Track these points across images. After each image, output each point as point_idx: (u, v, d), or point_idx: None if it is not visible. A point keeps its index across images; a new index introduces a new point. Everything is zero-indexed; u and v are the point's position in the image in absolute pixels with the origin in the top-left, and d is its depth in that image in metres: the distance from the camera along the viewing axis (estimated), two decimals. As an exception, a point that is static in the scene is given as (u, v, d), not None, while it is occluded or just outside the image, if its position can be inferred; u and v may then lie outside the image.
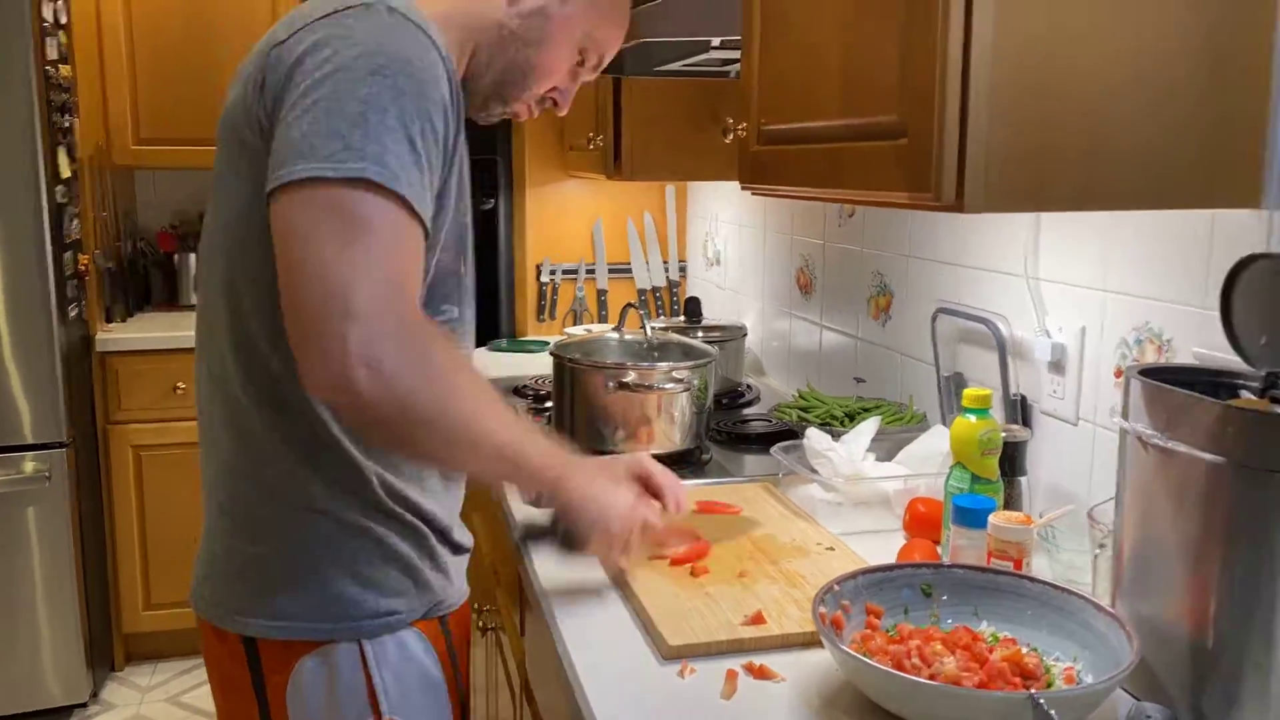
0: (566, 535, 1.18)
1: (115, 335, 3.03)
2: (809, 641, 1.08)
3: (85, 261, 2.94)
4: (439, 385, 0.96)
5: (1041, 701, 0.83)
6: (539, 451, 1.09)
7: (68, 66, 2.85)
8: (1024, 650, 0.99)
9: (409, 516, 1.12)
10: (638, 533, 1.18)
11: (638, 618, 1.16)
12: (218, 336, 1.10)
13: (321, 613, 1.08)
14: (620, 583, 1.25)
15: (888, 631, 1.03)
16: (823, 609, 1.01)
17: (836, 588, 1.06)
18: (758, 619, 1.11)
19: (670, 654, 1.06)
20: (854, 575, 1.08)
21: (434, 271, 1.07)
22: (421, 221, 0.98)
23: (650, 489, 1.25)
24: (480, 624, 1.92)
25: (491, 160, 3.27)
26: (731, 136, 1.52)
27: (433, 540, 1.15)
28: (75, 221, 2.88)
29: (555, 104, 1.27)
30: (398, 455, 1.09)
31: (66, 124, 2.82)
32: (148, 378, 3.03)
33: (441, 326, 1.10)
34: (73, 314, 2.85)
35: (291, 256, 0.94)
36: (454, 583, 1.19)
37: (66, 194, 2.81)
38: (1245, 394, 0.99)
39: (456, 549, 1.21)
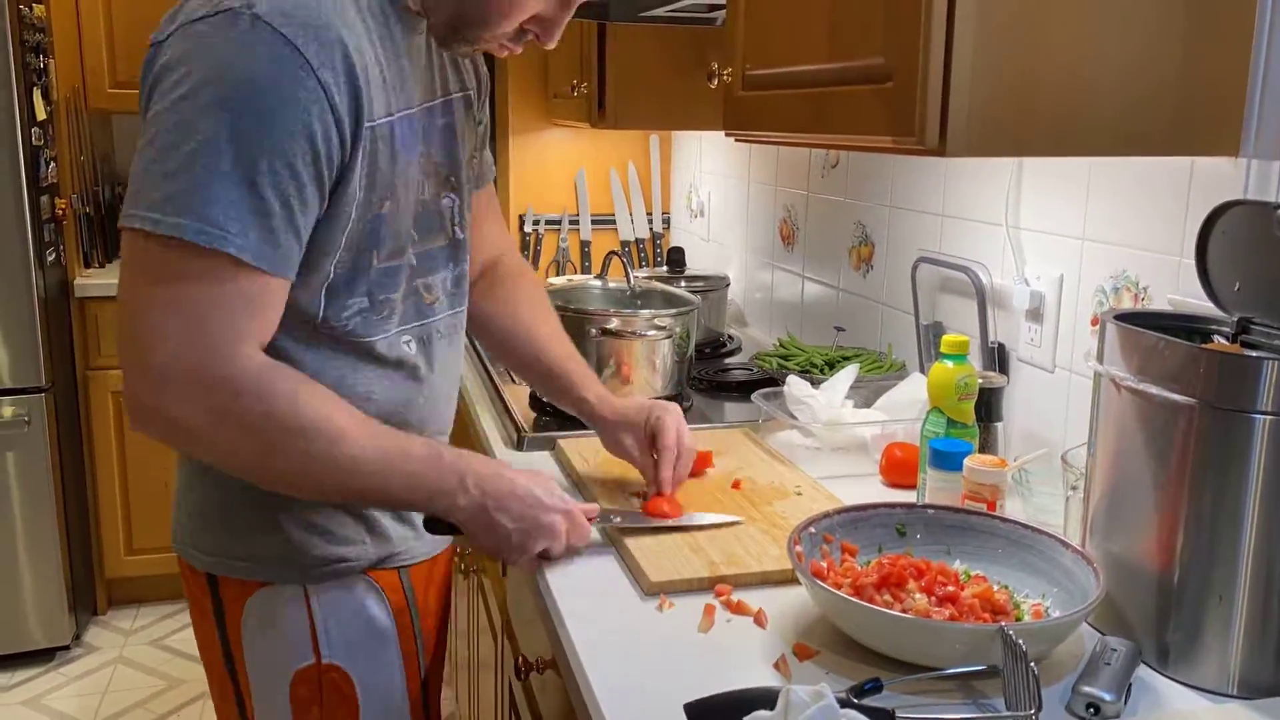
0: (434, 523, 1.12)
1: (94, 280, 3.01)
2: (786, 579, 1.10)
3: (63, 205, 2.90)
4: (254, 437, 0.97)
5: (1010, 633, 0.85)
6: (406, 483, 1.05)
7: (42, 6, 2.80)
8: (994, 587, 1.02)
9: None
10: (558, 528, 1.11)
11: (619, 556, 1.18)
12: None
13: (268, 555, 1.11)
14: (603, 521, 1.26)
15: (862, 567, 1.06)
16: (799, 547, 1.03)
17: (813, 527, 1.08)
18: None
19: (651, 590, 1.08)
20: (830, 514, 1.10)
21: (333, 274, 1.04)
22: (260, 269, 0.94)
23: (655, 447, 1.27)
24: (462, 568, 1.94)
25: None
26: (716, 82, 1.51)
27: (377, 509, 1.15)
28: (52, 165, 2.84)
29: (538, 37, 1.10)
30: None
31: (41, 65, 2.78)
32: (127, 324, 3.01)
33: (348, 321, 1.07)
34: (50, 258, 2.82)
35: (120, 302, 0.97)
36: (423, 536, 1.18)
37: (42, 136, 2.77)
38: (1218, 339, 1.01)
39: None
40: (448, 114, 1.16)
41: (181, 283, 0.93)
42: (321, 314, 1.05)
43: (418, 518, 1.18)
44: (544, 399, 1.62)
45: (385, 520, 1.15)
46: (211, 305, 0.94)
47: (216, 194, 0.91)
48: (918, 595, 0.99)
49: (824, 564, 1.05)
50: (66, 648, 2.95)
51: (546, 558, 1.14)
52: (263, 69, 0.92)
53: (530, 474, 1.13)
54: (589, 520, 1.17)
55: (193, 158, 0.91)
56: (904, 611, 0.95)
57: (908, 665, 0.92)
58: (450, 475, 1.07)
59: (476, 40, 1.09)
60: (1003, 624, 0.88)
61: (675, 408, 1.32)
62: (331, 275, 1.04)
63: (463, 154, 1.19)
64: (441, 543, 1.23)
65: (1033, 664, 0.84)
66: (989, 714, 0.87)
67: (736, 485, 1.35)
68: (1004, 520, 1.10)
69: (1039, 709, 0.82)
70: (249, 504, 1.10)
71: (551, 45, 1.12)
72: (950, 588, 0.99)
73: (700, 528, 1.21)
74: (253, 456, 0.99)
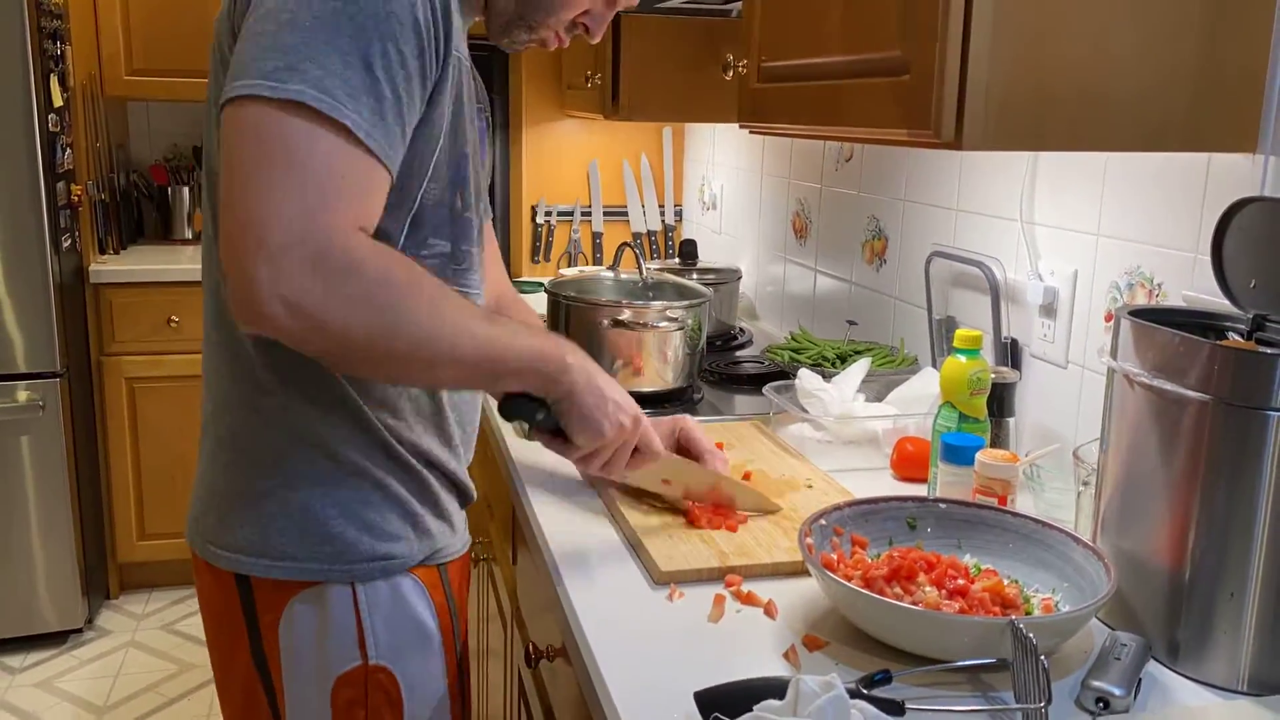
0: (540, 415, 1.10)
1: (109, 267, 3.02)
2: (797, 571, 1.10)
3: (78, 192, 2.92)
4: (373, 310, 0.92)
5: (1020, 627, 0.85)
6: (528, 344, 1.04)
7: (59, -8, 2.81)
8: (1005, 581, 1.02)
9: (413, 461, 1.10)
10: (629, 450, 1.14)
11: (629, 545, 1.19)
12: (215, 264, 1.07)
13: (315, 553, 1.07)
14: (612, 510, 1.27)
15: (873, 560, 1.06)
16: (809, 539, 1.03)
17: (823, 519, 1.08)
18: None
19: (662, 579, 1.08)
20: (840, 507, 1.10)
21: (419, 203, 1.04)
22: (371, 150, 0.93)
23: (693, 452, 1.30)
24: (473, 556, 1.95)
25: (488, 98, 3.24)
26: (732, 74, 1.51)
27: (436, 487, 1.13)
28: (68, 151, 2.85)
29: (587, 30, 1.17)
30: (367, 379, 1.06)
31: (58, 51, 2.79)
32: (141, 310, 3.03)
33: (427, 262, 1.05)
34: (66, 244, 2.83)
35: (224, 179, 0.91)
36: (457, 531, 1.18)
37: (58, 123, 2.78)
38: (1232, 335, 1.00)
39: (464, 499, 1.20)
40: (481, 119, 1.18)
41: (296, 148, 0.89)
42: (402, 244, 1.04)
43: (455, 514, 1.17)
44: None
45: (427, 517, 1.12)
46: (326, 173, 0.90)
47: (334, 68, 0.90)
48: (928, 588, 0.99)
49: (834, 556, 1.05)
50: (79, 631, 2.97)
51: (609, 470, 1.16)
52: None
53: (619, 387, 1.16)
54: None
55: (311, 33, 0.90)
56: (914, 604, 0.96)
57: (917, 658, 0.93)
58: (552, 340, 1.08)
59: (537, 28, 1.14)
60: (1012, 618, 0.88)
61: (690, 418, 1.35)
62: (417, 205, 1.04)
63: (486, 169, 1.22)
64: (467, 541, 1.22)
65: (1043, 657, 0.84)
66: (998, 706, 0.87)
67: (747, 477, 1.36)
68: (1015, 515, 1.10)
69: (1048, 702, 0.82)
70: (295, 500, 1.06)
71: (597, 39, 1.19)
72: (960, 581, 1.00)
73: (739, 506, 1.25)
74: (374, 327, 0.93)
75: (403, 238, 1.03)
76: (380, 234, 1.00)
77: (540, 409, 1.10)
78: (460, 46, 1.04)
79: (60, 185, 2.80)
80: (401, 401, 1.09)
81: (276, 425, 1.06)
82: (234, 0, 1.00)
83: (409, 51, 0.94)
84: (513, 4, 1.12)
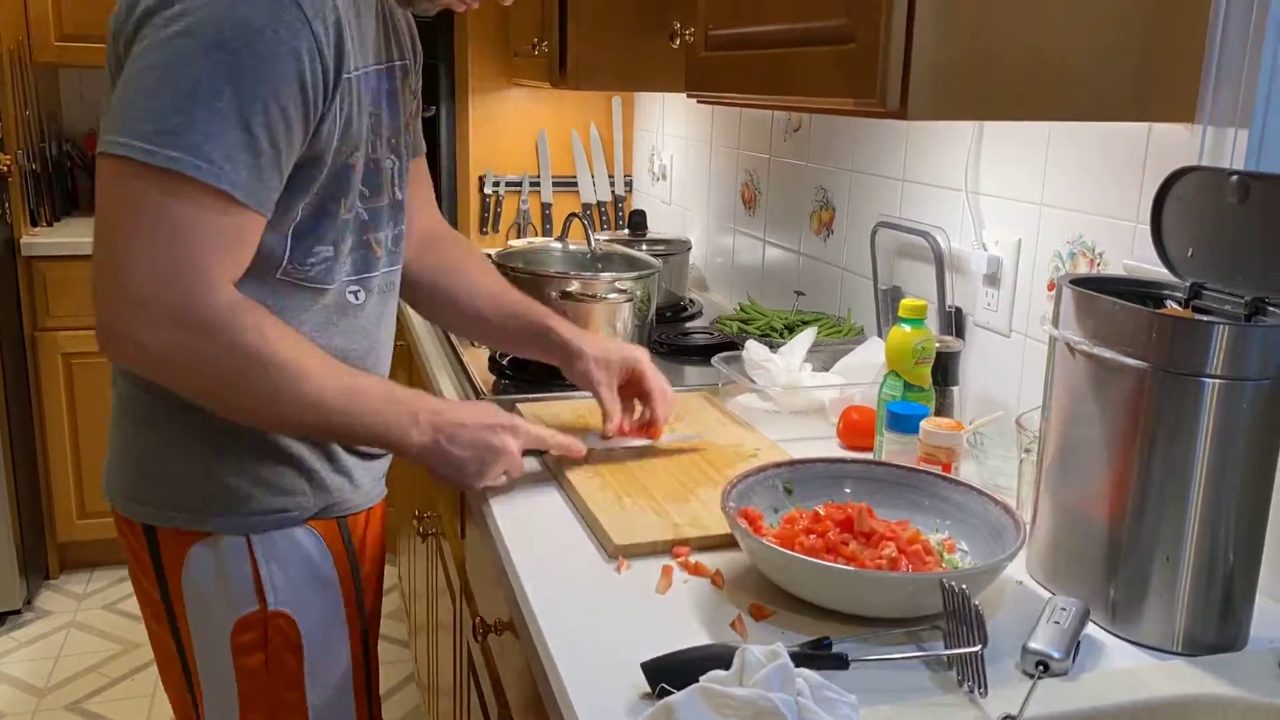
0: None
1: (41, 239, 2.94)
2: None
3: (7, 161, 2.82)
4: (221, 371, 1.00)
5: (951, 583, 0.87)
6: (373, 419, 1.09)
7: (-17, -47, 2.70)
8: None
9: None
10: (516, 457, 1.19)
11: (580, 518, 1.18)
12: None
13: (209, 505, 1.13)
14: (562, 483, 1.26)
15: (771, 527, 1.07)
16: (731, 503, 1.04)
17: (739, 484, 1.09)
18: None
19: (616, 553, 1.08)
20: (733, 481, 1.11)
21: (299, 216, 1.08)
22: (246, 204, 0.98)
23: (641, 390, 1.34)
24: (420, 530, 1.93)
25: (433, 65, 3.19)
26: (679, 42, 1.50)
27: (332, 444, 1.18)
28: (-5, 119, 2.76)
29: None
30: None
31: (-17, 15, 2.68)
32: (75, 284, 2.95)
33: (314, 268, 1.11)
34: (-5, 216, 2.75)
35: (97, 224, 0.98)
36: (360, 486, 1.22)
37: (-15, 89, 2.68)
38: (1171, 304, 1.02)
39: (365, 454, 1.23)
40: (391, 80, 1.18)
41: (167, 213, 0.95)
42: (287, 257, 1.09)
43: (356, 468, 1.21)
44: (501, 349, 1.62)
45: (324, 471, 1.17)
46: (195, 236, 0.96)
47: (213, 130, 0.94)
48: (852, 544, 1.01)
49: (767, 521, 1.07)
50: (18, 612, 2.91)
51: (509, 476, 1.21)
52: (261, 14, 0.95)
53: (472, 403, 1.21)
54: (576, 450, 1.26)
55: (191, 95, 0.93)
56: (846, 564, 0.97)
57: (859, 622, 0.94)
58: (404, 412, 1.12)
59: None
60: (941, 574, 0.90)
61: (646, 354, 1.37)
62: (299, 218, 1.08)
63: (400, 120, 1.22)
64: (376, 495, 1.26)
65: (975, 603, 0.86)
66: (939, 652, 0.89)
67: (696, 449, 1.36)
68: (879, 464, 1.17)
69: (985, 644, 0.84)
70: (188, 455, 1.12)
71: (508, 1, 1.23)
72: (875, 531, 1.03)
73: (665, 451, 1.30)
74: (219, 386, 1.02)
75: (287, 250, 1.09)
76: (265, 247, 1.05)
77: None
78: (355, 60, 1.06)
79: (-12, 154, 2.70)
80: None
81: (166, 394, 1.10)
82: (120, 28, 1.00)
83: (291, 106, 0.98)
84: None
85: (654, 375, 1.35)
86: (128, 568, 1.25)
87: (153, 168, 0.93)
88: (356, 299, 1.18)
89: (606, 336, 1.49)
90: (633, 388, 1.35)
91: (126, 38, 0.98)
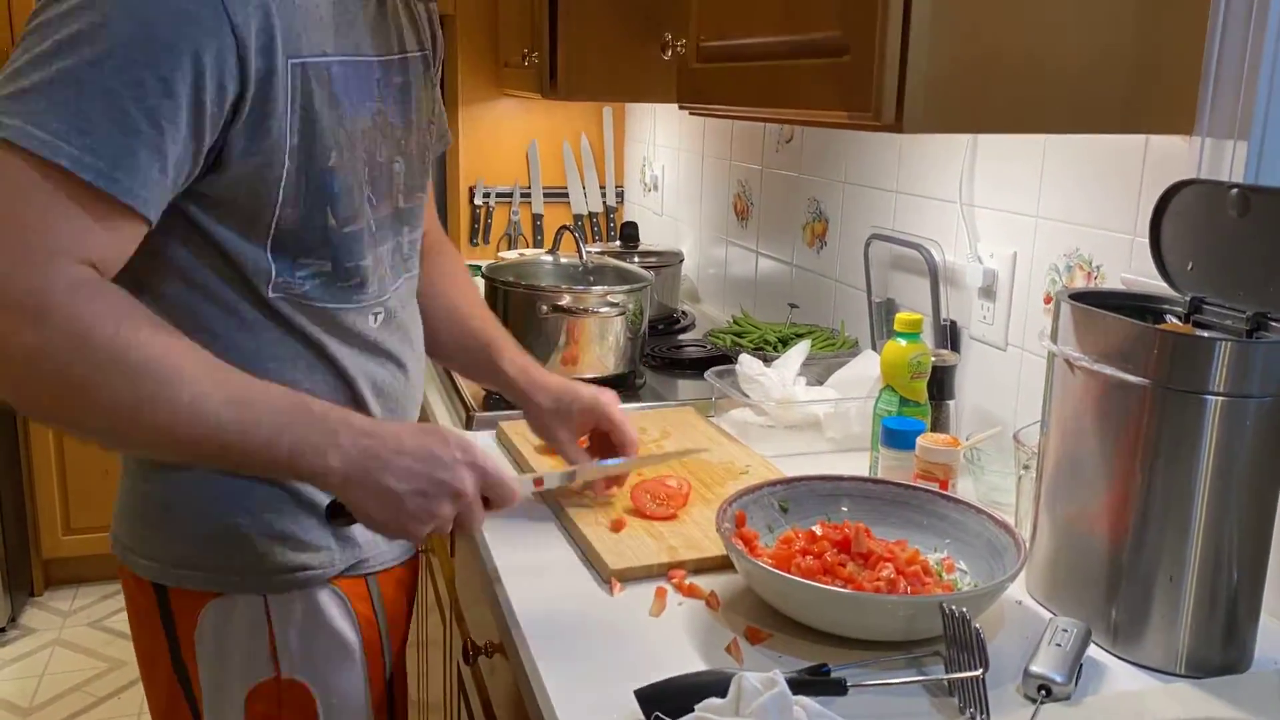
0: (338, 511, 0.96)
1: (27, 252, 2.90)
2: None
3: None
4: (60, 368, 0.81)
5: (951, 608, 0.85)
6: (281, 441, 0.88)
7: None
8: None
9: None
10: (474, 505, 0.96)
11: (571, 540, 1.16)
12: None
13: (225, 563, 1.02)
14: (555, 506, 1.24)
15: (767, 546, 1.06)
16: (726, 524, 1.02)
17: (730, 505, 1.07)
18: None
19: (612, 577, 1.05)
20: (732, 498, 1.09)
21: (274, 227, 0.95)
22: (92, 184, 0.82)
23: (613, 441, 1.21)
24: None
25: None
26: (670, 53, 1.48)
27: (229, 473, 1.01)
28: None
29: None
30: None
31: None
32: (63, 297, 2.92)
33: (305, 283, 0.99)
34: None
35: None
36: (393, 540, 1.08)
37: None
38: (1170, 318, 1.01)
39: None
40: (404, 72, 1.09)
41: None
42: (274, 272, 0.97)
43: None
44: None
45: (354, 526, 1.05)
46: (27, 211, 0.80)
47: (65, 99, 0.80)
48: (850, 565, 0.99)
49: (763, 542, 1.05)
50: (2, 630, 2.87)
51: (463, 529, 0.96)
52: None
53: (421, 426, 0.97)
54: (535, 485, 1.10)
55: (48, 58, 0.81)
56: (852, 585, 0.95)
57: (858, 645, 0.92)
58: (319, 428, 0.89)
59: None
60: (940, 596, 0.89)
61: (612, 395, 1.24)
62: (274, 230, 0.96)
63: (416, 117, 1.12)
64: (411, 547, 1.16)
65: (976, 626, 0.84)
66: (939, 677, 0.87)
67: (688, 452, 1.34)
68: (876, 481, 1.15)
69: (986, 668, 0.82)
70: (201, 505, 1.02)
71: None
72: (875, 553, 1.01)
73: (660, 458, 1.27)
74: (69, 396, 0.82)
75: (272, 264, 0.97)
76: (247, 260, 0.95)
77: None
78: (312, 45, 0.93)
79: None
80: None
81: None
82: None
83: (180, 81, 0.84)
84: None
85: (621, 425, 1.21)
86: (127, 613, 1.13)
87: None
88: (375, 322, 1.07)
89: (563, 378, 1.28)
90: (599, 432, 1.23)
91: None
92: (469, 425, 1.53)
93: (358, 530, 1.06)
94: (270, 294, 0.98)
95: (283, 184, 0.94)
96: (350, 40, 0.99)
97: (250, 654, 1.04)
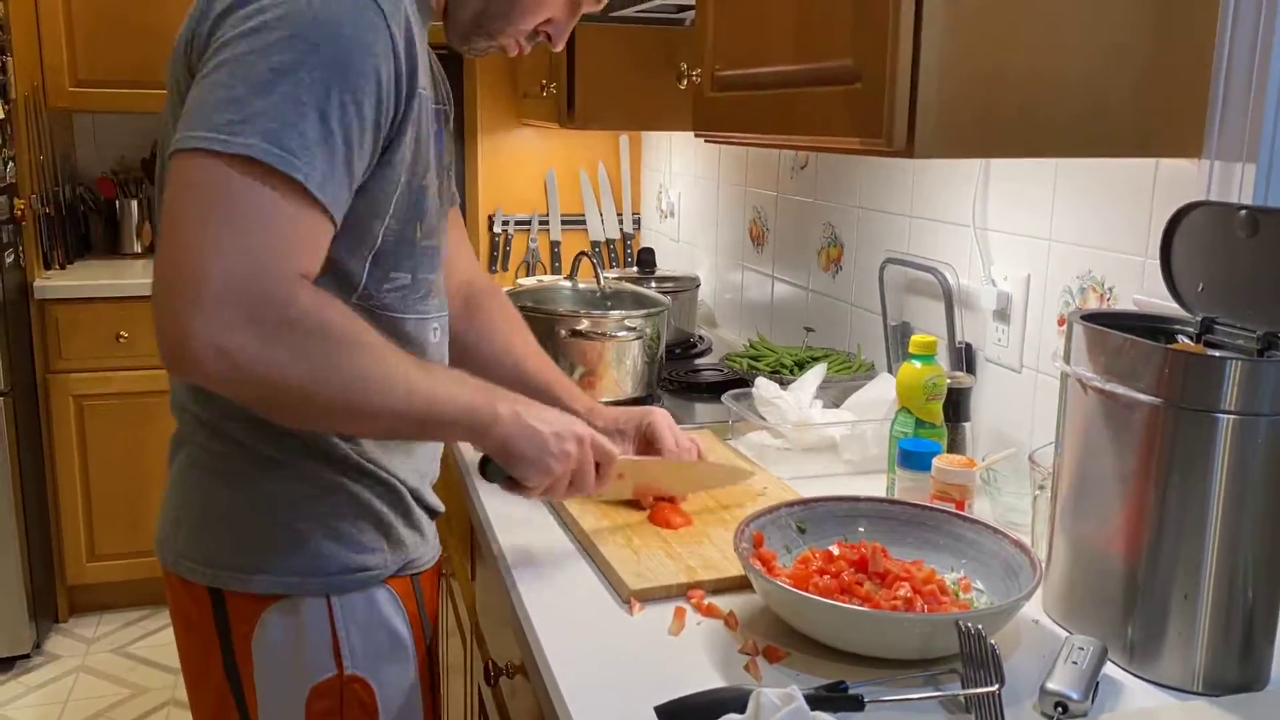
0: (498, 472, 1.12)
1: (54, 282, 2.96)
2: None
3: (22, 206, 2.85)
4: (305, 364, 0.91)
5: (967, 625, 0.86)
6: (457, 404, 1.03)
7: (1, 4, 2.75)
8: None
9: (383, 473, 1.10)
10: (588, 468, 1.12)
11: (590, 559, 1.17)
12: None
13: (291, 566, 1.07)
14: (572, 527, 1.26)
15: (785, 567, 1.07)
16: (744, 544, 1.03)
17: (747, 526, 1.08)
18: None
19: (631, 597, 1.07)
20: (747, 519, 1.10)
21: (380, 241, 1.04)
22: (318, 201, 0.92)
23: (654, 448, 1.31)
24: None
25: (449, 92, 3.22)
26: (686, 83, 1.51)
27: (408, 498, 1.14)
28: (10, 165, 2.79)
29: (549, 38, 1.18)
30: (296, 427, 1.05)
31: (0, 63, 2.73)
32: (89, 326, 2.96)
33: (389, 295, 1.07)
34: (9, 260, 2.77)
35: (164, 227, 0.90)
36: (428, 540, 1.19)
37: (0, 136, 2.72)
38: (1182, 339, 1.02)
39: (431, 511, 1.20)
40: (438, 122, 1.17)
41: (242, 202, 0.89)
42: (364, 283, 1.05)
43: (423, 522, 1.17)
44: None
45: (400, 526, 1.13)
46: (271, 226, 0.90)
47: (289, 120, 0.89)
48: (867, 584, 1.00)
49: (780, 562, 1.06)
50: (26, 656, 2.89)
51: (577, 485, 1.12)
52: (342, 9, 0.92)
53: (552, 410, 1.15)
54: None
55: (267, 85, 0.89)
56: (868, 603, 0.96)
57: (875, 664, 0.93)
58: (479, 387, 1.06)
59: (497, 35, 1.14)
60: (956, 614, 0.89)
61: (664, 411, 1.34)
62: (379, 243, 1.04)
63: (445, 162, 1.20)
64: (437, 550, 1.22)
65: (992, 642, 0.85)
66: (956, 692, 0.88)
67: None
68: (893, 502, 1.16)
69: (1002, 684, 0.83)
70: (266, 512, 1.06)
71: (559, 48, 1.20)
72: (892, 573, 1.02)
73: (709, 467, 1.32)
74: (305, 380, 0.92)
75: (365, 275, 1.04)
76: (344, 273, 1.03)
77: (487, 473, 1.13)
78: (424, 79, 1.03)
79: (2, 199, 2.73)
80: None
81: (246, 448, 1.06)
82: (192, 34, 0.98)
83: (366, 102, 0.94)
84: (472, 12, 1.12)
85: (668, 434, 1.32)
86: (174, 626, 1.17)
87: (226, 156, 0.88)
88: (435, 336, 1.15)
89: (604, 394, 1.44)
90: (650, 449, 1.33)
91: (200, 43, 0.96)
92: (489, 449, 1.55)
93: (404, 532, 1.13)
94: (354, 301, 1.04)
95: (395, 198, 1.03)
96: (426, 81, 1.07)
97: (313, 653, 1.09)
